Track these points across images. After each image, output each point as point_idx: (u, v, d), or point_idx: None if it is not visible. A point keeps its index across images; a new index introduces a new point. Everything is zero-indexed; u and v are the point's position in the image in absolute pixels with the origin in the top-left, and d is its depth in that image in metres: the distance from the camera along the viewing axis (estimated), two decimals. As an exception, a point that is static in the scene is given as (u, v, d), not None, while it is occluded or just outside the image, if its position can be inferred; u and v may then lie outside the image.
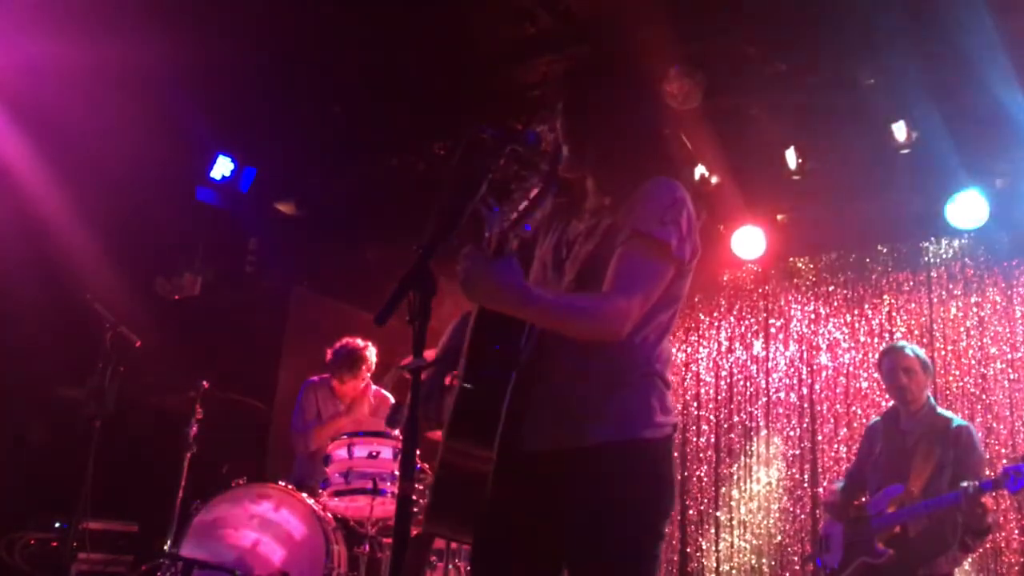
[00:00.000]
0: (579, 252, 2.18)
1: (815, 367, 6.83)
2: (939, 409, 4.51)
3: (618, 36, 4.76)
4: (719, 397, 7.19)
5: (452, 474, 2.08)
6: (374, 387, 5.40)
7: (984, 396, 6.18)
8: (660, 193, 2.11)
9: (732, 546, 6.84)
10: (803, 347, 6.93)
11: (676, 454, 7.18)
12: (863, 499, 4.50)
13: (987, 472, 4.41)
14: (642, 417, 2.07)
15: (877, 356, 4.87)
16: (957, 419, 4.45)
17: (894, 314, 6.64)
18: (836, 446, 6.56)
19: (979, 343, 6.29)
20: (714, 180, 6.20)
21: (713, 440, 7.12)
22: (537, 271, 2.30)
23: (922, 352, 4.59)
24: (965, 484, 3.99)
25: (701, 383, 7.28)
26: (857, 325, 6.76)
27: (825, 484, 4.70)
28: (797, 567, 6.52)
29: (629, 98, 2.27)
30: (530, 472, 2.09)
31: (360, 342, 5.35)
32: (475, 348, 2.12)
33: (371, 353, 5.34)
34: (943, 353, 6.38)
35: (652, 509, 2.05)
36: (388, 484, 4.42)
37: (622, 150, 2.21)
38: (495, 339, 2.09)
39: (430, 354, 2.30)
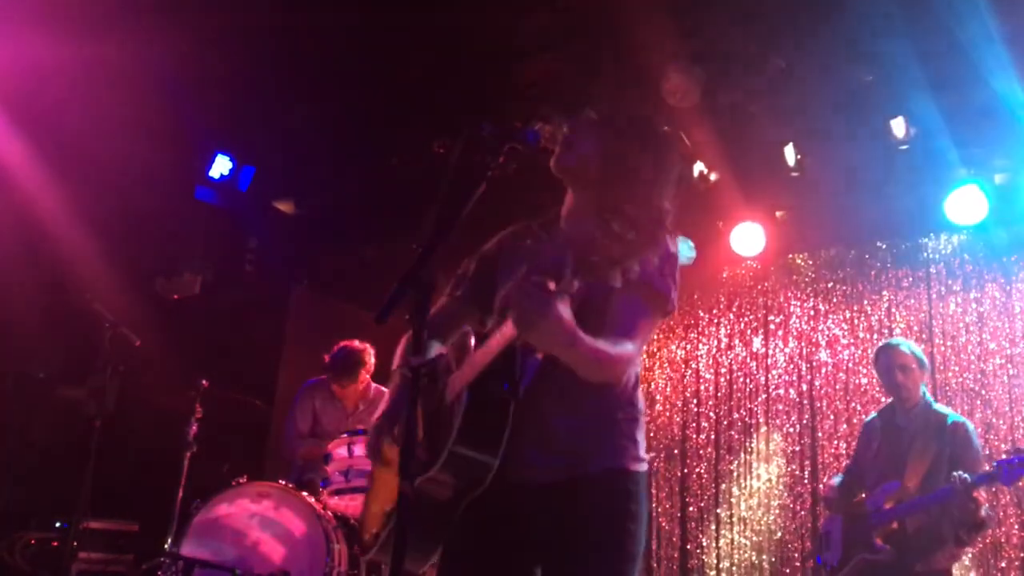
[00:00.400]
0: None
1: (815, 363, 6.83)
2: (935, 405, 4.53)
3: (618, 33, 4.76)
4: (719, 394, 7.19)
5: (426, 504, 2.09)
6: (374, 385, 5.39)
7: (983, 392, 6.18)
8: (659, 246, 2.14)
9: (732, 543, 6.85)
10: (803, 343, 6.92)
11: (677, 451, 7.25)
12: (862, 496, 4.51)
13: (985, 467, 4.42)
14: (631, 452, 2.20)
15: (874, 353, 4.87)
16: (953, 414, 4.48)
17: (893, 310, 6.64)
18: (836, 442, 6.56)
19: (978, 339, 6.29)
20: (713, 177, 6.20)
21: (713, 437, 7.12)
22: (509, 285, 2.29)
23: (918, 349, 4.63)
24: (955, 477, 4.01)
25: (701, 380, 7.28)
26: (856, 321, 6.76)
27: (825, 480, 4.72)
28: (797, 563, 6.52)
29: (668, 155, 2.30)
30: (522, 499, 2.14)
31: (357, 344, 5.25)
32: (483, 383, 2.10)
33: (369, 355, 5.26)
34: (942, 349, 6.38)
35: (639, 531, 2.17)
36: (388, 482, 4.42)
37: (643, 203, 2.17)
38: (504, 373, 2.09)
39: None
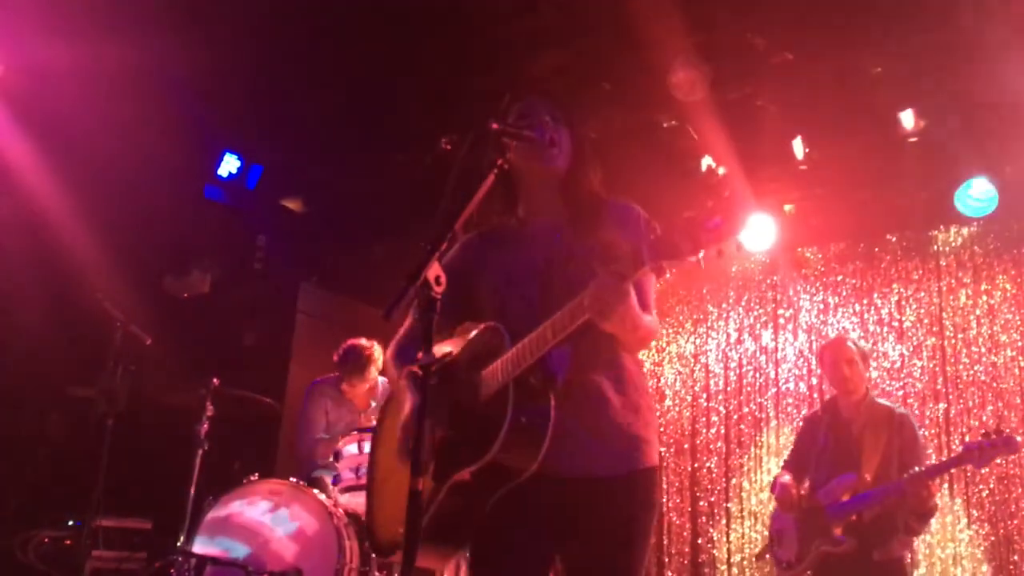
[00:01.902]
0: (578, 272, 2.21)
1: (824, 357, 6.81)
2: (877, 398, 4.62)
3: (624, 28, 4.75)
4: (728, 388, 7.18)
5: (459, 498, 2.12)
6: (382, 380, 5.39)
7: (994, 384, 6.16)
8: (642, 215, 2.33)
9: (743, 537, 6.84)
10: (812, 337, 6.90)
11: (687, 445, 7.23)
12: (806, 489, 4.54)
13: (932, 458, 4.52)
14: (655, 445, 2.28)
15: (818, 350, 4.92)
16: (898, 407, 4.59)
17: (903, 303, 6.62)
18: (846, 436, 6.54)
19: (989, 331, 6.27)
20: (721, 171, 6.18)
21: (723, 431, 7.11)
22: (500, 283, 2.32)
23: (862, 344, 4.77)
24: (911, 471, 4.10)
25: (710, 374, 7.27)
26: (866, 315, 6.74)
27: (776, 479, 4.73)
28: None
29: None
30: (560, 493, 2.15)
31: (365, 342, 5.25)
32: (524, 378, 2.11)
33: (378, 352, 5.26)
34: (953, 342, 6.37)
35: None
36: (399, 479, 4.42)
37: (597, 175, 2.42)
38: (539, 366, 2.12)
39: None
